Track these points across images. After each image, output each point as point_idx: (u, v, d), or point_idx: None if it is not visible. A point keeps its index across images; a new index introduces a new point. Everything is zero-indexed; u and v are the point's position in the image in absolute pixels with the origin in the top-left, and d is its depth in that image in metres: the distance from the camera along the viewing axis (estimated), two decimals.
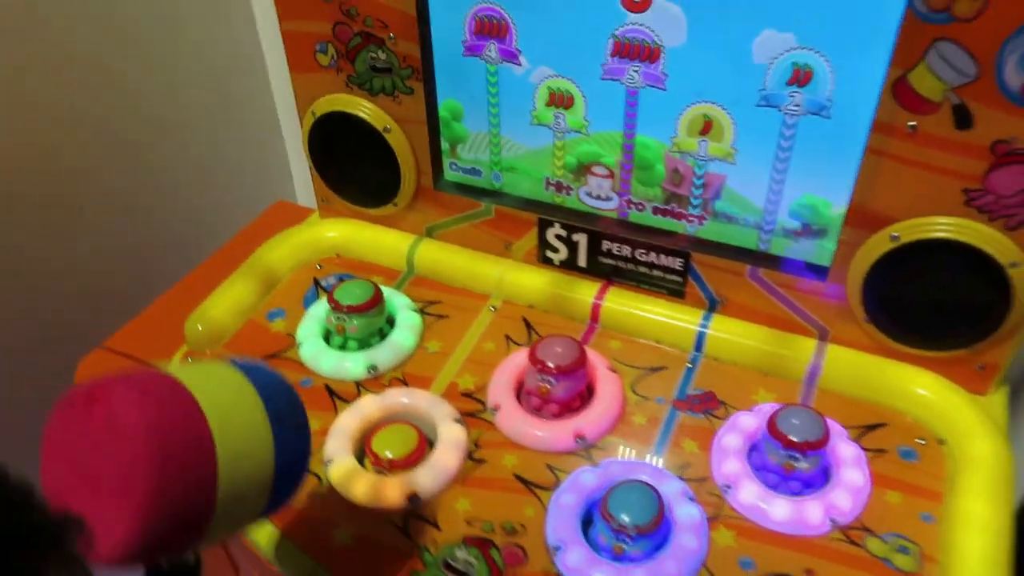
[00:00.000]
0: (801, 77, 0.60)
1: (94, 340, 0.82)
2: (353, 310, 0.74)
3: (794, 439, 0.61)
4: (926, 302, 0.65)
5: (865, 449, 0.65)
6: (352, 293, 0.74)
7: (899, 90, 0.56)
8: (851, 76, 0.59)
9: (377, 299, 0.75)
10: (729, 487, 0.63)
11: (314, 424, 0.67)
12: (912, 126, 0.57)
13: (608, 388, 0.69)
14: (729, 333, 0.73)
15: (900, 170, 0.60)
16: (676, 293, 0.75)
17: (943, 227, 0.61)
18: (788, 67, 0.60)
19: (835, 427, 0.65)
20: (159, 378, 0.44)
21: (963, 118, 0.56)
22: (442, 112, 0.76)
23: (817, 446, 0.61)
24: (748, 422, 0.66)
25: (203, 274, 0.89)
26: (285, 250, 0.84)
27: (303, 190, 1.23)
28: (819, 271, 0.69)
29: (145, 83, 0.99)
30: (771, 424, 0.62)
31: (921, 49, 0.54)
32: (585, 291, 0.77)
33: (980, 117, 0.55)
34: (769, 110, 0.63)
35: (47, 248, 0.93)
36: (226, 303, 0.78)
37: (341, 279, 0.82)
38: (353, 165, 0.82)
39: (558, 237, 0.77)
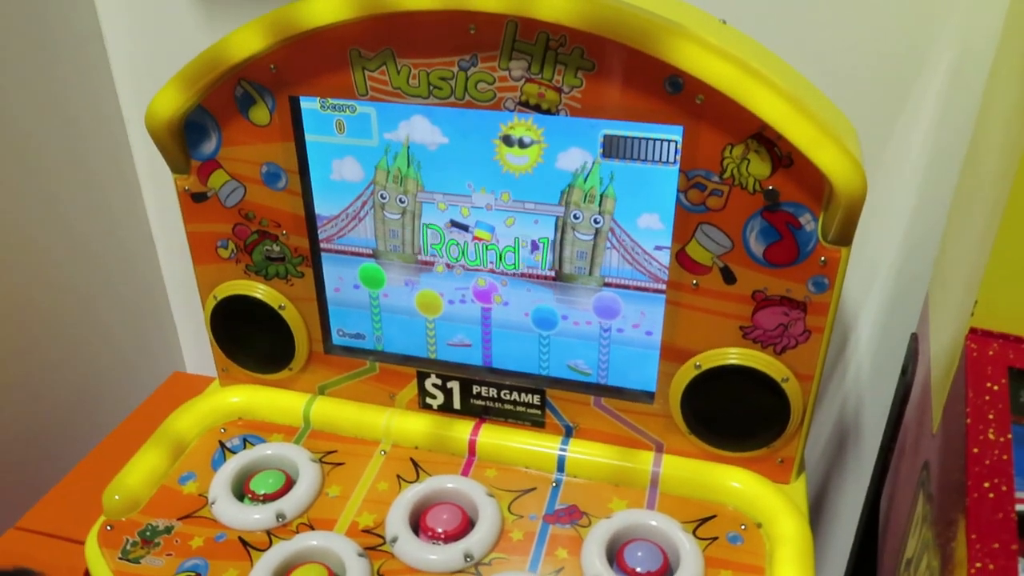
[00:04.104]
0: None
1: (6, 522, 0.87)
2: (269, 498, 0.84)
3: (639, 571, 0.75)
4: (730, 413, 0.82)
5: (700, 538, 0.80)
6: (266, 483, 0.85)
7: (681, 258, 0.76)
8: None
9: (288, 486, 0.85)
10: None
11: (232, 574, 0.77)
12: (695, 283, 0.76)
13: (489, 511, 0.81)
14: (584, 453, 0.87)
15: (693, 315, 0.78)
16: (537, 424, 0.89)
17: (731, 356, 0.79)
18: None
19: (675, 524, 0.80)
20: None
21: (728, 276, 0.75)
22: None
23: (659, 575, 0.75)
24: (607, 527, 0.80)
25: (109, 447, 0.97)
26: (192, 418, 0.93)
27: (192, 360, 1.32)
28: (648, 396, 0.86)
29: (50, 269, 1.08)
30: (619, 557, 0.76)
31: (691, 230, 0.74)
32: (461, 430, 0.90)
33: (740, 275, 0.74)
34: None
35: None
36: (140, 472, 0.85)
37: (245, 440, 0.92)
38: (251, 338, 0.93)
39: (435, 385, 0.91)
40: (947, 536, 0.54)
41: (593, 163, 0.75)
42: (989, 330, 0.64)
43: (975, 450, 0.53)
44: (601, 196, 0.76)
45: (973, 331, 0.64)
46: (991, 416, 0.55)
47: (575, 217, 0.78)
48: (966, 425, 0.55)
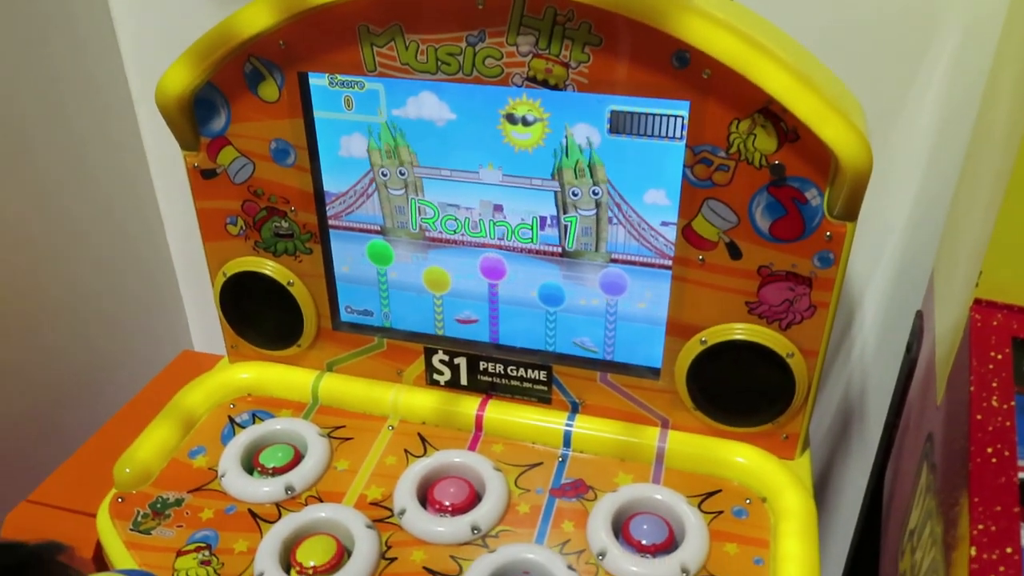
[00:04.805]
0: None
1: (19, 495, 0.88)
2: (278, 471, 0.85)
3: (644, 543, 0.76)
4: (735, 389, 0.82)
5: (705, 512, 0.81)
6: (275, 456, 0.86)
7: (687, 233, 0.76)
8: None
9: (297, 460, 0.86)
10: (602, 556, 0.76)
11: (241, 545, 0.78)
12: (701, 259, 0.77)
13: (495, 485, 0.82)
14: (590, 429, 0.87)
15: (699, 291, 0.79)
16: (544, 400, 0.90)
17: (737, 331, 0.79)
18: None
19: (680, 498, 0.81)
20: None
21: (734, 251, 0.75)
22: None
23: (664, 547, 0.76)
24: (613, 501, 0.81)
25: (120, 421, 0.98)
26: (201, 393, 0.94)
27: (201, 338, 1.33)
28: (654, 372, 0.86)
29: (60, 249, 1.09)
30: (624, 530, 0.77)
31: (697, 205, 0.74)
32: (468, 405, 0.91)
33: (746, 250, 0.75)
34: None
35: None
36: (151, 445, 0.87)
37: (254, 415, 0.93)
38: (260, 315, 0.93)
39: (442, 362, 0.92)
40: (950, 503, 0.54)
41: (566, 138, 0.76)
42: (994, 301, 0.64)
43: (978, 417, 0.54)
44: (590, 167, 0.77)
45: (978, 302, 0.65)
46: (995, 384, 0.56)
47: (574, 194, 0.79)
48: (970, 393, 0.56)
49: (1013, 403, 0.54)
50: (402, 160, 0.81)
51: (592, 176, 0.77)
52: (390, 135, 0.80)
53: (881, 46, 0.93)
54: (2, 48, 0.97)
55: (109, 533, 0.80)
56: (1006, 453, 0.51)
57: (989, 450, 0.51)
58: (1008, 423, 0.53)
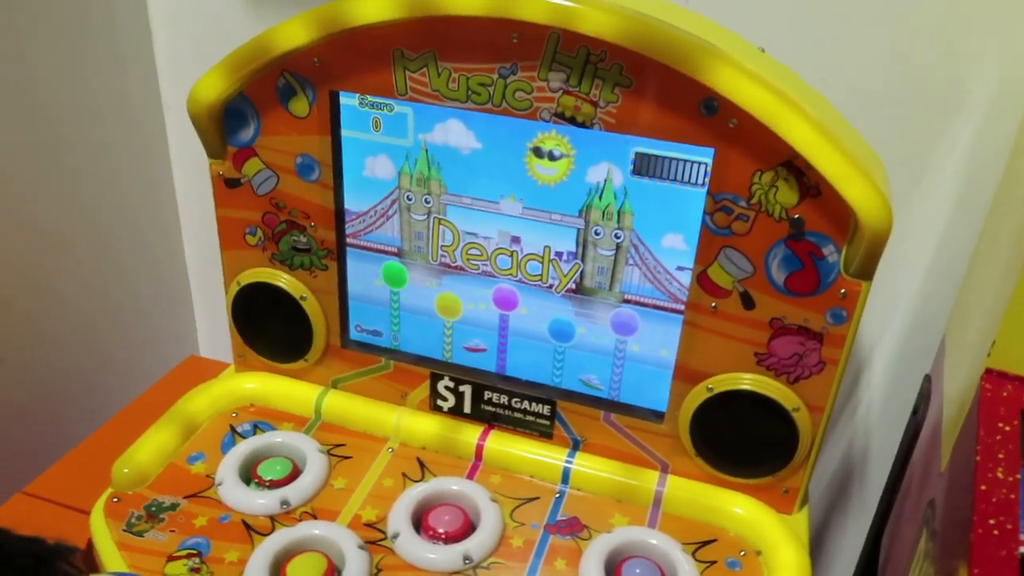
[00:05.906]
0: None
1: (14, 486, 0.88)
2: (275, 484, 0.85)
3: None
4: (738, 439, 0.82)
5: (699, 561, 0.80)
6: (273, 469, 0.86)
7: (702, 280, 0.77)
8: None
9: (295, 474, 0.86)
10: None
11: (232, 555, 0.78)
12: (713, 306, 0.77)
13: (490, 516, 0.82)
14: (590, 468, 0.87)
15: (709, 338, 0.79)
16: (546, 435, 0.90)
17: (744, 381, 0.79)
18: None
19: (675, 544, 0.80)
20: None
21: (747, 301, 0.76)
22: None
23: None
24: (607, 542, 0.81)
25: (121, 421, 0.98)
26: (205, 400, 0.94)
27: (208, 345, 1.33)
28: (658, 416, 0.86)
29: (76, 244, 1.10)
30: (617, 573, 0.76)
31: (714, 252, 0.75)
32: (470, 434, 0.91)
33: (759, 301, 0.75)
34: None
35: None
36: (150, 448, 0.87)
37: (256, 426, 0.93)
38: (270, 326, 0.94)
39: (447, 388, 0.92)
40: (948, 571, 0.54)
41: (605, 181, 0.76)
42: (1004, 371, 0.64)
43: (983, 487, 0.53)
44: (619, 212, 0.78)
45: (988, 371, 0.65)
46: (1001, 455, 0.55)
47: (596, 233, 0.79)
48: (976, 463, 0.56)
49: (1019, 475, 0.54)
50: (431, 190, 0.82)
51: (619, 222, 0.78)
52: (427, 165, 0.81)
53: (907, 111, 0.94)
54: (42, 48, 0.99)
55: (102, 532, 0.80)
56: (1008, 526, 0.51)
57: (991, 521, 0.51)
58: (1012, 496, 0.52)
